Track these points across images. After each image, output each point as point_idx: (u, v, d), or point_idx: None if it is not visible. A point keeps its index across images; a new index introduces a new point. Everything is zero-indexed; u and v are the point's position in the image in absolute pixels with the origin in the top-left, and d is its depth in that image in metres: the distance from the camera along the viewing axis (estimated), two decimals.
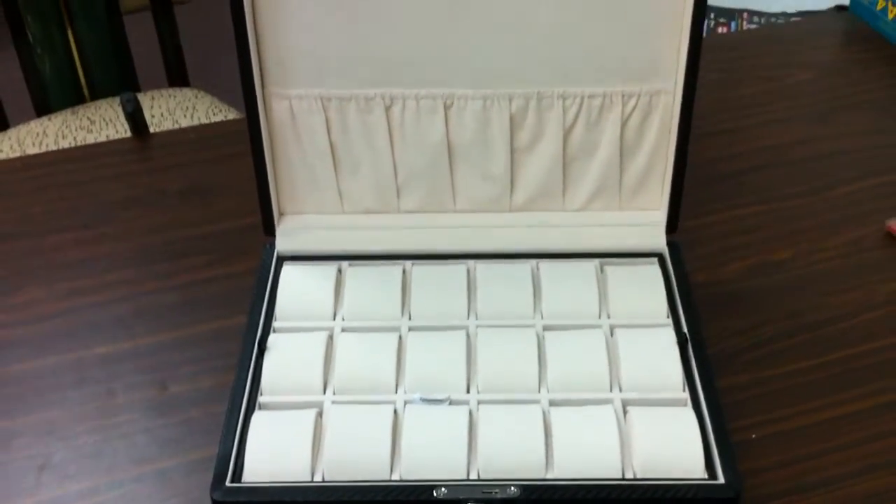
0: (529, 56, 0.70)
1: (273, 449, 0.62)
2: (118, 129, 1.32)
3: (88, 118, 1.35)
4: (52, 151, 0.96)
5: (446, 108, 0.73)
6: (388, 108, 0.73)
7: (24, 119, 1.38)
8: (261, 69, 0.71)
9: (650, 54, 0.70)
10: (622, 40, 0.70)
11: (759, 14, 1.35)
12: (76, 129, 1.33)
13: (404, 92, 0.72)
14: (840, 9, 1.12)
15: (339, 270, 0.74)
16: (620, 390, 0.66)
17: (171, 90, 1.41)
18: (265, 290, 0.73)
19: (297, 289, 0.73)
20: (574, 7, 0.68)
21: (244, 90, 0.71)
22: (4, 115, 1.40)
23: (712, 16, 1.35)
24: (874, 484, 0.64)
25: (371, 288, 0.73)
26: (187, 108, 1.36)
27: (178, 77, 1.46)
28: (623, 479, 0.60)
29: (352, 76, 0.72)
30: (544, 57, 0.70)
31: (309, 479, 0.61)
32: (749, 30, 1.36)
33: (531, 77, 0.71)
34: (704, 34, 0.70)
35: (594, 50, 0.70)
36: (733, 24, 1.35)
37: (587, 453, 0.62)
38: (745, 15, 1.34)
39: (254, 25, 0.69)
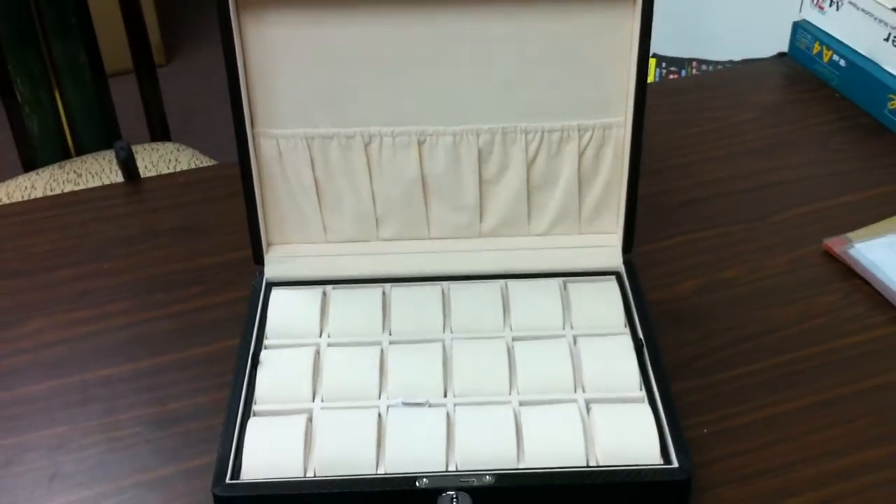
0: (494, 95, 0.78)
1: (268, 450, 0.68)
2: (104, 181, 1.38)
3: (75, 172, 1.41)
4: (51, 196, 1.03)
5: (420, 144, 0.80)
6: (366, 145, 0.80)
7: (12, 175, 1.45)
8: (251, 112, 0.78)
9: (602, 91, 0.78)
10: (576, 79, 0.78)
11: (707, 62, 1.44)
12: (63, 183, 1.39)
13: (381, 130, 0.79)
14: (781, 55, 1.21)
15: (324, 294, 0.81)
16: (584, 391, 0.72)
17: (154, 144, 1.48)
18: (256, 313, 0.79)
19: (286, 310, 0.79)
20: (532, 51, 0.76)
21: (236, 131, 0.78)
22: None
23: (663, 65, 1.44)
24: (813, 471, 0.71)
25: (354, 308, 0.79)
26: (170, 160, 1.43)
27: (160, 134, 1.54)
28: (587, 467, 0.67)
29: (333, 117, 0.79)
30: (507, 96, 0.78)
31: (302, 476, 0.67)
32: (696, 75, 1.45)
33: (496, 114, 0.79)
34: (657, 80, 0.78)
35: (552, 89, 0.78)
36: (683, 73, 1.45)
37: (554, 445, 0.68)
38: (693, 64, 1.44)
39: (244, 72, 0.76)
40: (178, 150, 1.47)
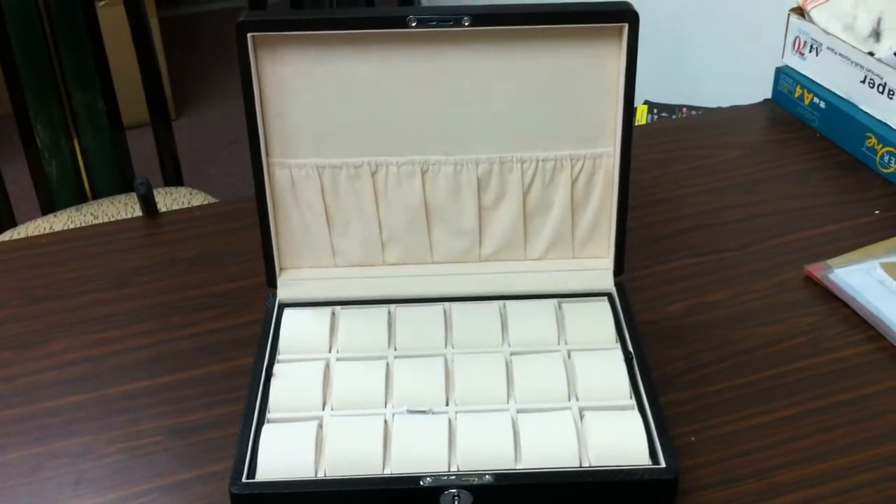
0: (492, 127, 0.84)
1: (282, 453, 0.73)
2: None
3: (92, 214, 1.47)
4: (74, 229, 1.09)
5: (423, 172, 0.86)
6: (373, 174, 0.86)
7: (31, 218, 1.51)
8: (266, 143, 0.84)
9: (592, 123, 0.84)
10: (568, 112, 0.83)
11: (696, 109, 1.51)
12: (81, 225, 1.45)
13: (387, 159, 0.85)
14: (767, 101, 1.27)
15: (333, 313, 0.86)
16: (577, 400, 0.77)
17: (167, 188, 1.55)
18: (269, 331, 0.84)
19: (298, 328, 0.84)
20: (527, 85, 0.82)
21: (252, 160, 0.84)
22: (12, 214, 1.52)
23: (654, 111, 1.51)
24: (794, 475, 0.76)
25: (361, 326, 0.84)
26: (183, 202, 1.49)
27: (173, 181, 1.60)
28: (580, 467, 0.71)
29: (343, 147, 0.85)
30: (504, 127, 0.84)
31: (313, 476, 0.71)
32: (685, 117, 1.52)
33: (494, 145, 0.85)
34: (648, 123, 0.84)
35: (545, 120, 0.84)
36: (674, 118, 1.52)
37: (550, 448, 0.72)
38: (683, 110, 1.51)
39: (261, 107, 0.82)
40: (191, 193, 1.53)
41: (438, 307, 0.86)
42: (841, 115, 1.14)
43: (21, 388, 0.85)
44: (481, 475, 0.70)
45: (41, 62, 1.43)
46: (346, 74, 0.82)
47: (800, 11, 1.20)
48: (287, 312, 0.85)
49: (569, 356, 0.81)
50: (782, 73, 1.23)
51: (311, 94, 0.82)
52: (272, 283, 0.88)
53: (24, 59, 1.42)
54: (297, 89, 0.82)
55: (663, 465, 0.71)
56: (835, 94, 1.16)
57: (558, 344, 0.82)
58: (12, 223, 1.51)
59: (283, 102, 0.82)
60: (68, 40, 1.44)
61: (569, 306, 0.86)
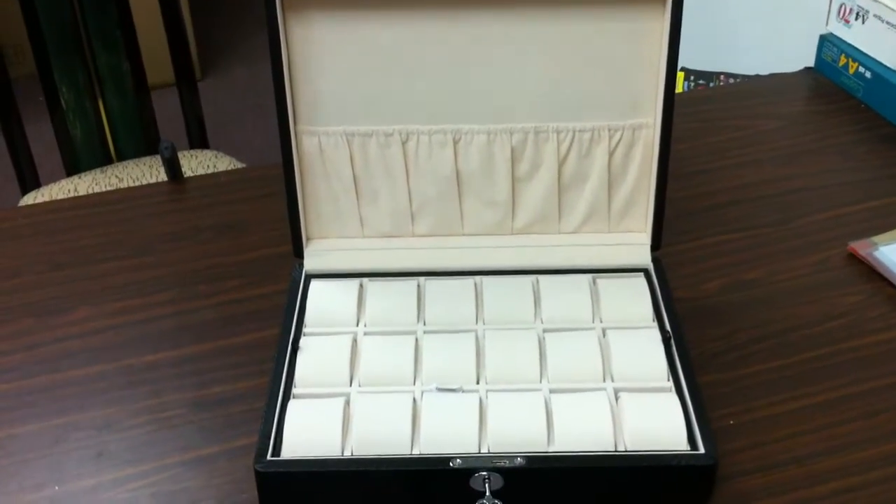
0: (527, 96, 0.81)
1: (307, 430, 0.71)
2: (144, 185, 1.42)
3: (117, 176, 1.45)
4: (98, 193, 1.07)
5: (455, 142, 0.83)
6: (404, 143, 0.83)
7: (55, 179, 1.49)
8: (294, 110, 0.81)
9: (632, 93, 0.81)
10: (607, 82, 0.80)
11: (735, 76, 1.47)
12: (105, 186, 1.43)
13: (419, 128, 0.82)
14: (808, 69, 1.23)
15: (361, 285, 0.84)
16: (612, 380, 0.75)
17: (193, 151, 1.53)
18: (296, 302, 0.82)
19: (324, 301, 0.82)
20: (565, 54, 0.79)
21: (280, 128, 0.81)
22: (37, 175, 1.50)
23: (692, 78, 1.47)
24: (836, 462, 0.73)
25: (390, 299, 0.82)
26: (208, 166, 1.47)
27: (198, 143, 1.58)
28: (616, 451, 0.69)
29: (373, 115, 0.82)
30: (540, 96, 0.81)
31: (340, 455, 0.70)
32: (724, 85, 1.48)
33: (529, 114, 0.82)
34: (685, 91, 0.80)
35: (584, 90, 0.81)
36: (711, 86, 1.48)
37: (584, 430, 0.70)
38: (721, 77, 1.47)
39: (289, 73, 0.79)
40: (216, 156, 1.51)
41: (469, 281, 0.84)
42: (887, 85, 1.10)
43: (43, 356, 0.84)
44: (512, 458, 0.68)
45: (66, 24, 1.41)
46: (376, 39, 0.79)
47: None
48: (314, 284, 0.83)
49: (604, 334, 0.79)
50: (826, 41, 1.19)
51: (341, 60, 0.80)
52: (299, 254, 0.86)
53: (49, 21, 1.40)
54: (327, 54, 0.79)
55: (702, 450, 0.69)
56: (881, 64, 1.11)
57: (593, 321, 0.80)
58: (36, 184, 1.50)
59: (311, 68, 0.80)
60: (93, 2, 1.41)
61: (604, 282, 0.83)
